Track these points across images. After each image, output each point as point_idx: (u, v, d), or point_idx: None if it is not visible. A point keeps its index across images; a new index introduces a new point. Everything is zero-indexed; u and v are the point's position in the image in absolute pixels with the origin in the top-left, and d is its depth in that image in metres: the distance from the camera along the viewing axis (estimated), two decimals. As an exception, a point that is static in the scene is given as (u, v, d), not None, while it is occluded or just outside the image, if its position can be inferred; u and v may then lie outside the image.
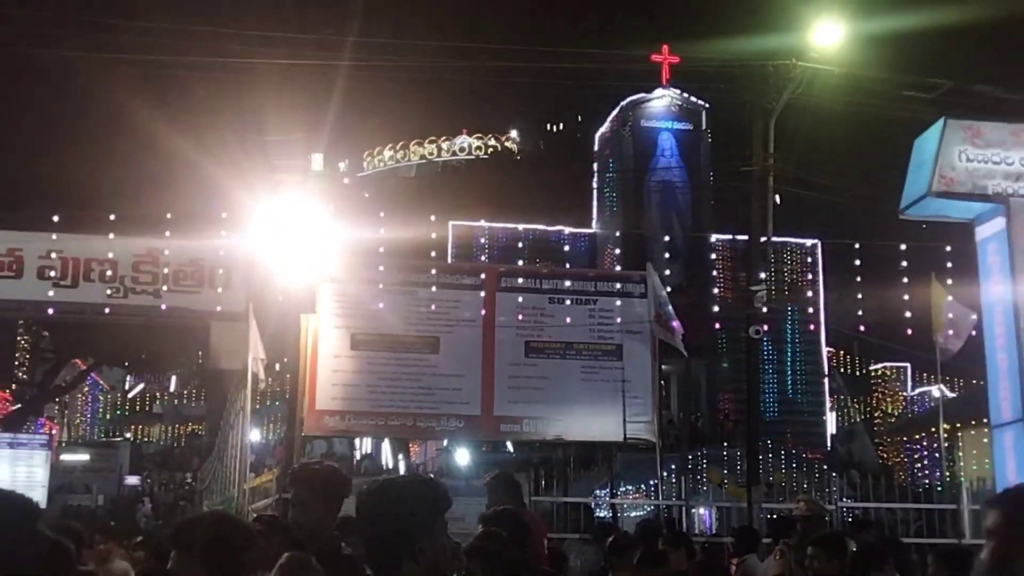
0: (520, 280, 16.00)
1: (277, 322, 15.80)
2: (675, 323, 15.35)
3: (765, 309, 14.92)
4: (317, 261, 14.67)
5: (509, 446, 25.27)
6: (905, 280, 14.92)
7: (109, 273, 14.92)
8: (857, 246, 16.43)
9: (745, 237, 18.81)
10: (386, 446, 34.30)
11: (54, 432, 37.37)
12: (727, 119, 24.46)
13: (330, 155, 33.07)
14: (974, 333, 12.67)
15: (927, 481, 23.69)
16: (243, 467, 15.77)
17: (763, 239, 14.89)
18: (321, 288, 15.01)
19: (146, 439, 45.55)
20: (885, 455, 29.86)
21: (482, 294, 15.59)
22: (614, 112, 31.06)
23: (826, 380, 30.30)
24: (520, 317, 15.55)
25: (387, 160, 47.46)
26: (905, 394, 35.29)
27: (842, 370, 35.31)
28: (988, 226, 10.36)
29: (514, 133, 47.79)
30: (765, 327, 15.43)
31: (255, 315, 14.82)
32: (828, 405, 30.86)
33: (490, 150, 46.73)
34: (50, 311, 14.98)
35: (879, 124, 15.98)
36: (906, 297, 14.86)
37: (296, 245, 14.44)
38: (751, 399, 15.24)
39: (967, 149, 10.10)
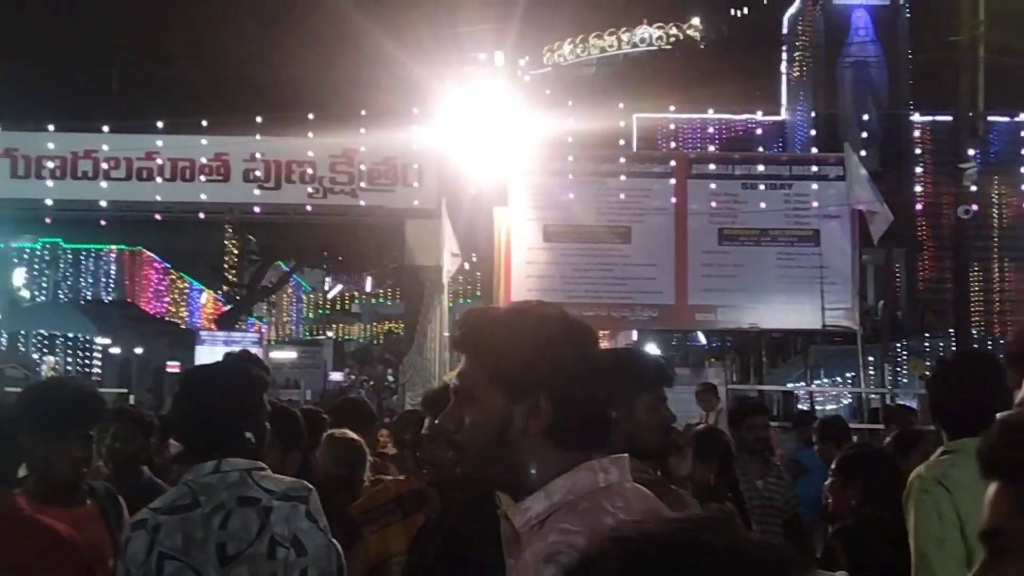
0: (712, 166, 15.68)
1: (467, 217, 16.06)
2: (877, 208, 14.77)
3: (974, 189, 14.14)
4: (507, 154, 14.78)
5: (701, 337, 25.08)
6: None
7: (309, 173, 15.46)
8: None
9: (949, 117, 17.83)
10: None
11: (263, 331, 39.49)
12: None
13: (511, 52, 32.94)
14: None
15: None
16: (443, 360, 16.25)
17: (971, 114, 14.02)
18: (512, 181, 15.12)
19: (346, 337, 47.51)
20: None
21: (672, 182, 15.37)
22: (804, -9, 29.68)
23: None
24: (713, 204, 15.28)
25: (567, 55, 46.97)
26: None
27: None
28: None
29: (696, 21, 46.37)
30: (975, 207, 14.65)
31: (447, 210, 15.11)
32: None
33: (672, 39, 45.55)
34: (256, 210, 15.66)
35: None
36: None
37: (486, 139, 14.56)
38: (958, 283, 14.57)
39: None
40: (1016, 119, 26.20)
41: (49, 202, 15.27)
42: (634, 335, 28.71)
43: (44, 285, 32.78)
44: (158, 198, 15.31)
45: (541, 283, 15.18)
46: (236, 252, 38.06)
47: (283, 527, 2.96)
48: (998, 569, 1.39)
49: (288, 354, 37.71)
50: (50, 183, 15.11)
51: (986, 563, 1.40)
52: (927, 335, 24.84)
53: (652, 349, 26.20)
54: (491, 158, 14.75)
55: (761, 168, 15.67)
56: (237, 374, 3.19)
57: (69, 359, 28.01)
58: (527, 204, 15.26)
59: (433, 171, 15.64)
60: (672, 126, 26.29)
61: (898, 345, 24.55)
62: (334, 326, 47.08)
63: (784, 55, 30.67)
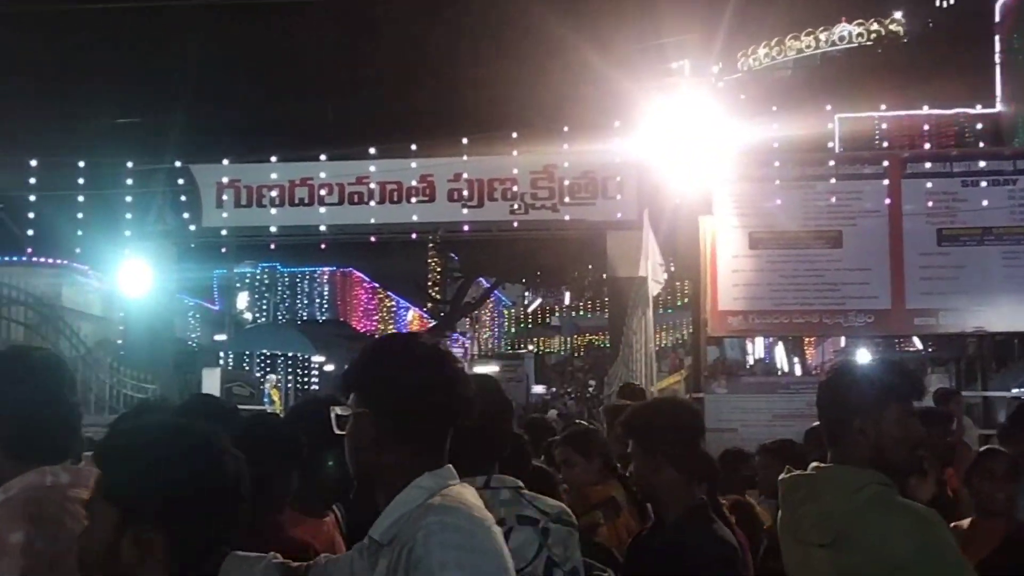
0: (927, 165, 15.02)
1: (668, 227, 15.98)
2: None
3: None
4: (710, 162, 14.63)
5: (917, 342, 24.05)
6: None
7: (512, 190, 15.77)
8: None
9: None
10: (780, 349, 33.95)
11: (466, 346, 40.36)
12: None
13: (706, 59, 32.62)
14: None
15: None
16: (650, 371, 16.19)
17: None
18: (716, 189, 14.94)
19: (547, 350, 47.96)
20: None
21: (885, 182, 14.82)
22: (1018, -25, 28.10)
23: None
24: (929, 204, 14.63)
25: (762, 58, 46.04)
26: None
27: None
28: None
29: (898, 14, 44.63)
30: None
31: (650, 221, 15.08)
32: None
33: (873, 35, 44.00)
34: (465, 228, 16.06)
35: None
36: None
37: (688, 148, 14.46)
38: None
39: None
40: None
41: (273, 229, 16.13)
42: (842, 342, 27.83)
43: (264, 307, 34.55)
44: (372, 221, 15.94)
45: (748, 291, 14.93)
46: (439, 270, 39.09)
47: (560, 550, 3.02)
48: None
49: (491, 368, 38.34)
50: (273, 211, 15.98)
51: None
52: None
53: (863, 356, 25.34)
54: (692, 167, 14.64)
55: (982, 164, 14.90)
56: (499, 391, 3.26)
57: (289, 377, 29.41)
58: (732, 212, 15.04)
59: (633, 182, 15.69)
60: (883, 125, 25.32)
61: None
62: (534, 339, 47.63)
63: (998, 44, 29.11)
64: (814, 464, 2.99)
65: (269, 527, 3.30)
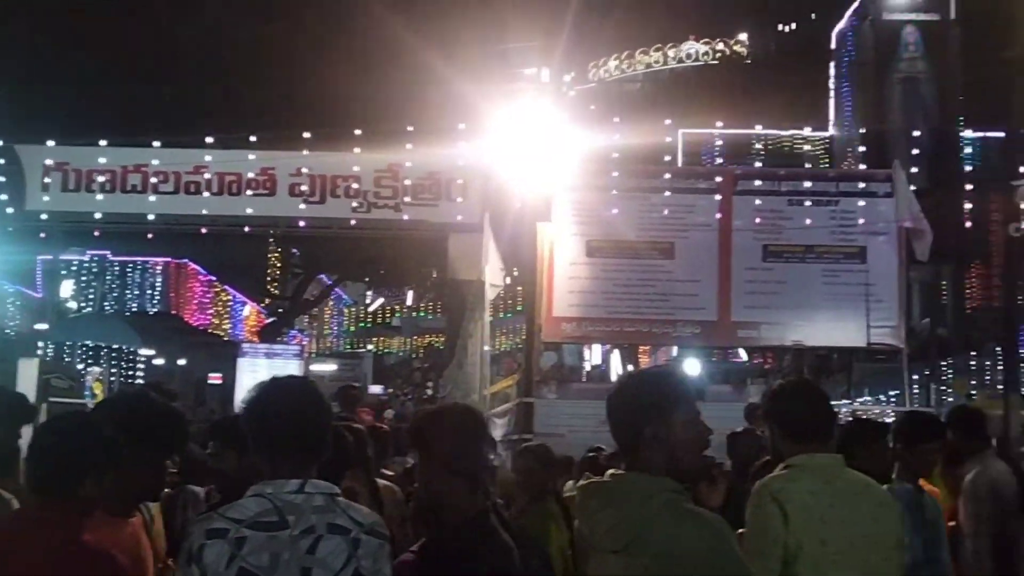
0: (757, 182, 15.56)
1: (512, 232, 16.07)
2: (924, 227, 14.61)
3: (1024, 206, 13.94)
4: (552, 169, 14.77)
5: (742, 354, 24.93)
6: None
7: (354, 187, 15.54)
8: None
9: (1001, 133, 17.60)
10: (615, 357, 34.62)
11: (304, 343, 39.74)
12: (980, 7, 22.73)
13: (557, 67, 33.05)
14: None
15: None
16: (484, 374, 16.25)
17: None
18: (556, 196, 15.11)
19: (386, 350, 47.66)
20: None
21: (717, 198, 15.28)
22: (852, 6, 29.52)
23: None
24: (757, 220, 15.16)
25: (612, 70, 47.04)
26: None
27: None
28: None
29: (743, 36, 46.27)
30: (1026, 224, 14.41)
31: (491, 225, 15.13)
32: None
33: (718, 55, 45.49)
34: (301, 224, 15.77)
35: None
36: None
37: (532, 154, 14.56)
38: (1008, 300, 14.34)
39: None
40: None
41: (98, 215, 15.46)
42: (674, 351, 28.61)
43: (91, 296, 33.21)
44: (205, 212, 15.46)
45: (583, 298, 15.16)
46: (279, 266, 38.39)
47: (369, 563, 2.97)
48: None
49: (328, 367, 37.86)
50: (100, 196, 15.31)
51: None
52: (974, 353, 24.51)
53: (692, 366, 26.11)
54: (536, 173, 14.75)
55: (808, 184, 15.52)
56: (317, 393, 3.18)
57: (113, 370, 28.35)
58: (570, 219, 15.25)
59: (477, 186, 15.67)
60: (719, 142, 26.21)
61: (944, 363, 24.26)
62: (374, 339, 47.30)
63: (832, 71, 30.51)
64: (610, 472, 3.03)
65: (66, 532, 3.12)
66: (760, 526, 3.69)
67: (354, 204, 15.57)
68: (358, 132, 15.30)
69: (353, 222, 15.77)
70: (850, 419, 5.42)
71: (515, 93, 14.96)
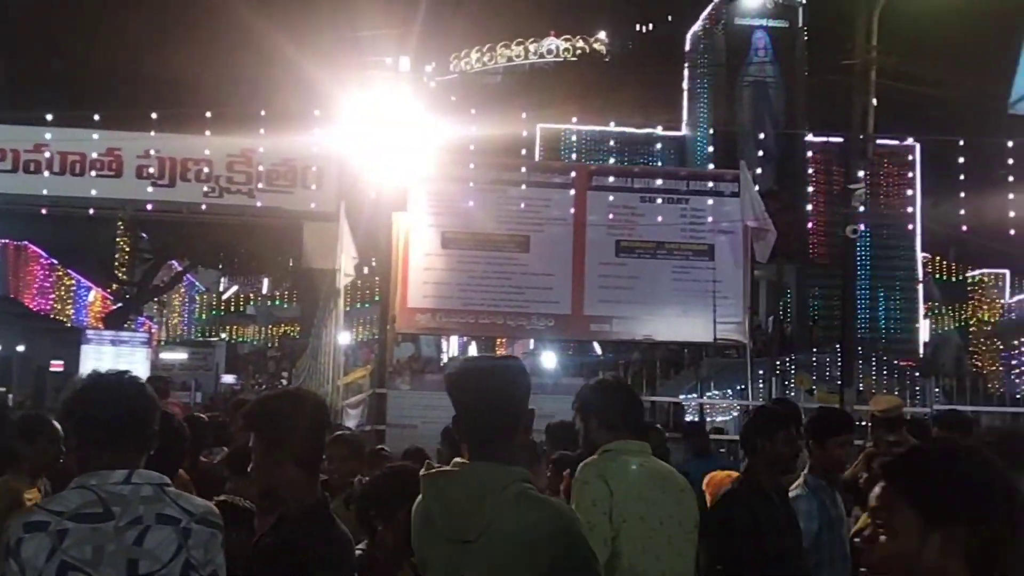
0: (611, 179, 15.84)
1: (369, 221, 15.95)
2: (769, 227, 15.11)
3: (862, 209, 14.56)
4: (409, 159, 14.70)
5: (596, 348, 25.35)
6: (1011, 179, 14.43)
7: (205, 172, 15.15)
8: (961, 143, 15.87)
9: (841, 138, 18.34)
10: (473, 348, 34.75)
11: (153, 331, 38.55)
12: (826, 16, 23.66)
13: (417, 58, 32.95)
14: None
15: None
16: (337, 364, 16.09)
17: (861, 136, 14.45)
18: (413, 187, 15.06)
19: (240, 339, 46.67)
20: (980, 363, 29.30)
21: (572, 192, 15.49)
22: (706, 10, 30.32)
23: (920, 286, 29.68)
24: (611, 216, 15.44)
25: (474, 63, 47.14)
26: (1003, 301, 34.41)
27: (938, 276, 34.54)
28: (1105, 120, 9.91)
29: (603, 35, 46.98)
30: (862, 226, 15.08)
31: (347, 214, 14.98)
32: (922, 312, 30.30)
33: (578, 52, 46.07)
34: (148, 207, 15.30)
35: (990, 14, 15.29)
36: (1011, 196, 14.39)
37: (388, 143, 14.47)
38: (845, 300, 15.00)
39: (1084, 40, 9.62)
40: (905, 143, 27.18)
41: (-72, 192, 14.69)
42: (531, 344, 28.91)
43: (-82, 279, 31.52)
44: (45, 192, 14.83)
45: (438, 290, 15.16)
46: (127, 250, 37.11)
47: (200, 553, 2.92)
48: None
49: (178, 355, 36.87)
50: (-70, 173, 14.54)
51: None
52: (815, 349, 25.51)
53: (549, 359, 26.42)
54: (392, 163, 14.65)
55: (659, 182, 15.89)
56: (140, 385, 3.09)
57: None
58: (426, 210, 15.22)
59: (333, 174, 15.47)
60: (573, 137, 26.53)
61: (787, 359, 25.16)
62: (228, 328, 46.25)
63: (686, 72, 31.24)
64: (457, 460, 3.01)
65: None
66: (589, 501, 3.94)
67: (205, 188, 15.19)
68: (208, 115, 14.91)
69: (204, 207, 15.39)
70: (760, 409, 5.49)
71: (371, 81, 14.78)
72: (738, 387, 19.85)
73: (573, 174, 15.90)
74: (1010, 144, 14.38)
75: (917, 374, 26.48)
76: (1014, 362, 25.28)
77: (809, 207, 27.43)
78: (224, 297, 47.22)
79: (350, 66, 15.49)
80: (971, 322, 33.94)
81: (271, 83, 20.45)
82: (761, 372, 20.61)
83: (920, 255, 29.71)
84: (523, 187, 15.48)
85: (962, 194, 16.59)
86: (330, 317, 15.65)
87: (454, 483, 2.92)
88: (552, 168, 16.73)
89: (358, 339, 35.67)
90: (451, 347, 36.92)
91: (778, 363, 24.18)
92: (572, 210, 15.38)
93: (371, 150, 14.61)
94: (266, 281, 45.09)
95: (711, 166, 25.82)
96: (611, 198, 15.48)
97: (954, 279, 35.26)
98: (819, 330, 28.41)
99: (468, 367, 3.13)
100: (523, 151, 20.03)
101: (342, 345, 17.06)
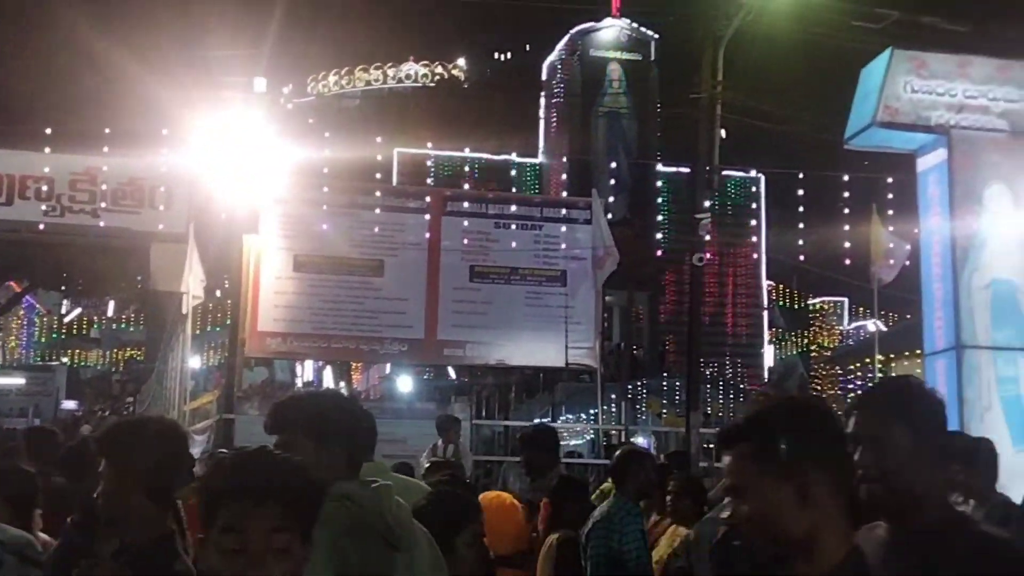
0: (466, 204, 15.95)
1: (220, 244, 15.62)
2: (611, 252, 15.33)
3: (708, 238, 15.03)
4: (261, 182, 14.48)
5: (451, 372, 25.35)
6: (847, 211, 15.11)
7: (45, 190, 14.62)
8: (801, 176, 16.55)
9: (688, 169, 18.86)
10: (328, 373, 34.31)
11: (-11, 355, 36.83)
12: (676, 51, 24.39)
13: (273, 79, 32.52)
14: (908, 264, 12.89)
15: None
16: (184, 389, 15.67)
17: (708, 167, 14.92)
18: (265, 209, 14.83)
19: (83, 363, 44.94)
20: (820, 387, 30.46)
21: (427, 217, 15.52)
22: (563, 41, 30.83)
23: (765, 313, 30.72)
24: (465, 241, 15.52)
25: (332, 86, 46.76)
26: (841, 328, 35.93)
27: (782, 303, 35.82)
28: (929, 157, 10.46)
29: (461, 61, 47.23)
30: (708, 255, 15.56)
31: (196, 236, 14.63)
32: (767, 338, 31.34)
33: (437, 77, 46.19)
34: (-16, 227, 14.66)
35: (828, 54, 16.06)
36: (847, 228, 15.06)
37: (239, 165, 14.22)
38: (692, 325, 15.40)
39: (912, 80, 10.14)
40: (750, 175, 28.20)
41: None
42: (387, 369, 28.72)
43: None
44: None
45: (289, 313, 14.95)
46: (-38, 270, 35.37)
47: None
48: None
49: (15, 380, 35.28)
50: None
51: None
52: (665, 374, 26.10)
53: (404, 384, 26.28)
54: (244, 184, 14.40)
55: (514, 208, 16.08)
56: None
57: None
58: (278, 233, 15.02)
59: (183, 195, 15.13)
60: (429, 162, 26.58)
61: (638, 384, 25.67)
62: (70, 352, 44.44)
63: (543, 100, 31.68)
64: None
65: None
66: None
67: (44, 207, 14.66)
68: (48, 131, 14.38)
69: (43, 226, 14.83)
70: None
71: (223, 102, 14.51)
72: (591, 411, 20.15)
73: (428, 199, 15.95)
74: (846, 178, 15.06)
75: (763, 398, 27.36)
76: (850, 386, 26.39)
77: (659, 235, 28.09)
78: (67, 320, 45.44)
79: (201, 86, 15.18)
80: (812, 348, 35.30)
81: (116, 101, 19.86)
82: (613, 396, 20.99)
83: (765, 283, 30.78)
84: (377, 211, 15.44)
85: (801, 225, 17.29)
86: (177, 341, 15.24)
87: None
88: (407, 193, 16.75)
89: (209, 363, 34.81)
90: (306, 372, 36.36)
91: (629, 388, 24.70)
92: (427, 235, 15.41)
93: (222, 171, 14.34)
94: (111, 303, 43.58)
95: (565, 194, 26.23)
96: (466, 223, 15.58)
97: (796, 306, 36.66)
98: (670, 356, 29.08)
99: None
100: (379, 175, 19.95)
101: (190, 369, 16.63)
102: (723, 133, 16.09)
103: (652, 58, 30.34)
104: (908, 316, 22.62)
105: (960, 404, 9.55)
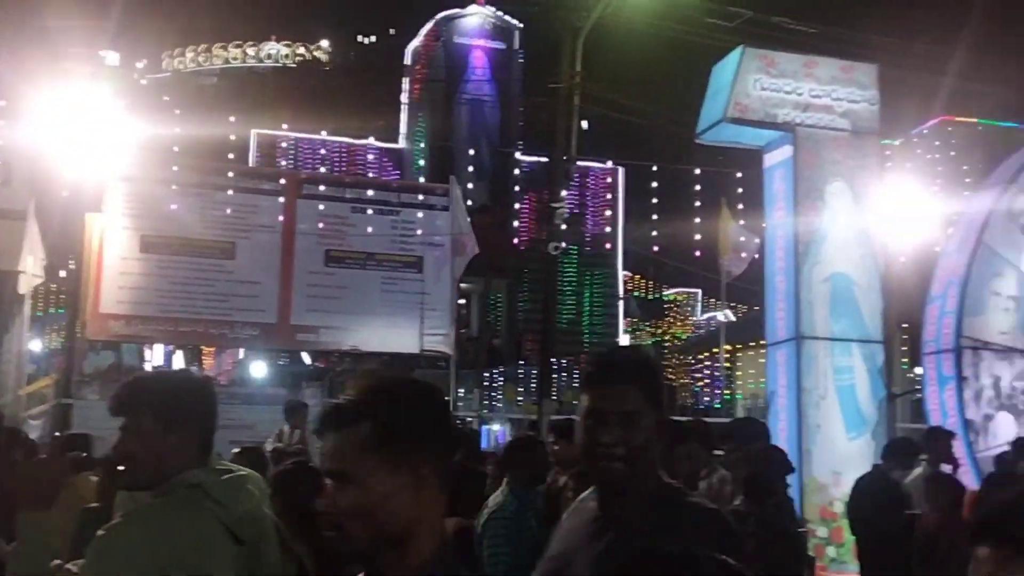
0: (322, 188, 15.70)
1: (62, 221, 14.99)
2: (469, 240, 15.36)
3: (564, 227, 15.17)
4: (107, 158, 13.92)
5: (306, 358, 24.99)
6: (699, 205, 15.48)
7: None
8: (655, 169, 16.87)
9: (548, 158, 19.00)
10: (179, 357, 33.38)
11: None
12: (539, 41, 24.52)
13: (126, 53, 31.36)
14: (757, 256, 13.26)
15: (707, 399, 24.97)
16: (20, 373, 15.00)
17: (565, 157, 15.06)
18: (110, 187, 14.27)
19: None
20: (673, 376, 31.19)
21: (282, 200, 15.22)
22: (427, 27, 30.62)
23: (621, 303, 31.22)
24: (321, 225, 15.28)
25: (188, 63, 45.42)
26: (695, 319, 36.86)
27: (638, 294, 36.50)
28: (776, 154, 10.80)
29: (325, 43, 46.50)
30: (564, 244, 15.70)
31: (37, 213, 14.00)
32: (622, 328, 31.87)
33: (299, 59, 45.37)
34: None
35: (685, 49, 16.39)
36: (699, 221, 15.43)
37: (84, 140, 13.64)
38: (547, 313, 15.54)
39: (761, 78, 10.45)
40: (608, 166, 28.58)
41: None
42: (241, 354, 28.10)
43: None
44: None
45: (135, 295, 14.44)
46: None
47: None
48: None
49: None
50: None
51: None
52: (522, 362, 26.31)
53: (258, 369, 25.79)
54: (89, 161, 13.82)
55: (371, 193, 15.89)
56: None
57: None
58: (124, 212, 14.48)
59: (23, 169, 14.44)
60: (285, 144, 26.07)
61: (495, 371, 25.82)
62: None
63: (406, 85, 31.42)
64: None
65: None
66: None
67: None
68: None
69: None
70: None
71: (67, 75, 13.90)
72: (445, 398, 20.17)
73: (283, 181, 15.64)
74: (698, 171, 15.41)
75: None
76: (698, 375, 27.15)
77: (517, 223, 28.25)
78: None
79: (42, 57, 14.51)
80: (666, 338, 36.14)
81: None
82: (469, 383, 21.05)
83: (621, 273, 31.27)
84: (230, 192, 15.05)
85: (656, 217, 17.63)
86: (13, 322, 14.56)
87: None
88: (261, 174, 16.39)
89: (51, 346, 33.45)
90: (156, 356, 35.26)
91: (486, 375, 24.80)
92: (281, 217, 15.10)
93: (66, 146, 13.73)
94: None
95: (423, 180, 26.11)
96: (321, 207, 15.33)
97: (652, 297, 37.45)
98: (527, 344, 29.29)
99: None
100: (233, 156, 19.47)
101: (30, 352, 15.93)
102: (585, 124, 16.26)
103: (516, 47, 30.41)
104: (756, 308, 23.38)
105: (798, 392, 9.92)
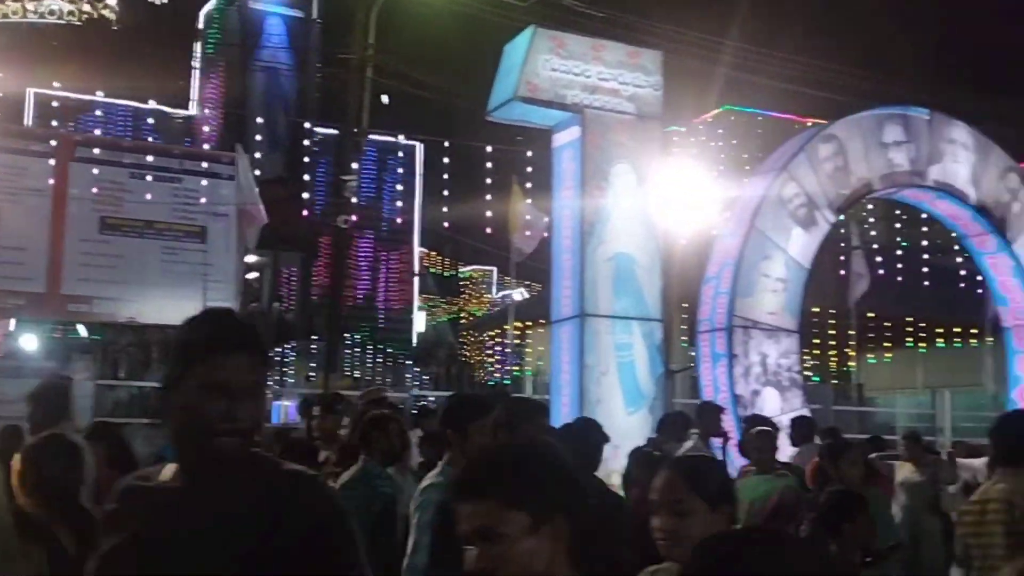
0: (97, 151, 14.87)
1: None
2: (256, 211, 14.86)
3: (355, 200, 14.94)
4: None
5: (82, 330, 23.75)
6: (491, 182, 15.54)
7: None
8: (447, 145, 16.83)
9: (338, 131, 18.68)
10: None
11: None
12: (338, 11, 24.06)
13: None
14: (546, 235, 13.43)
15: (498, 374, 25.26)
16: None
17: (356, 130, 14.82)
18: None
19: None
20: (468, 353, 31.39)
21: (52, 162, 14.33)
22: (221, -11, 29.59)
23: (416, 279, 31.14)
24: (95, 191, 14.50)
25: (-41, 14, 42.30)
26: (490, 296, 37.20)
27: (434, 271, 36.51)
28: (565, 134, 10.95)
29: (112, 1, 44.24)
30: (354, 218, 15.46)
31: None
32: (417, 304, 31.82)
33: (84, 16, 42.99)
34: None
35: (479, 26, 16.41)
36: (490, 198, 15.50)
37: None
38: (334, 286, 15.29)
39: (552, 59, 10.55)
40: (403, 142, 28.39)
41: None
42: (12, 325, 26.47)
43: None
44: None
45: None
46: None
47: None
48: None
49: None
50: None
51: None
52: (314, 337, 25.88)
53: (29, 341, 24.31)
54: None
55: (151, 159, 15.17)
56: None
57: None
58: None
59: None
60: (70, 107, 24.64)
61: (286, 346, 25.32)
62: None
63: (198, 49, 30.27)
64: None
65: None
66: None
67: None
68: None
69: None
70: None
71: None
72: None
73: (54, 143, 14.73)
74: (489, 149, 15.46)
75: (410, 362, 27.88)
76: (490, 352, 27.42)
77: (309, 196, 27.72)
78: None
79: None
80: (462, 315, 36.31)
81: None
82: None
83: (418, 250, 31.18)
84: (-4, 152, 14.08)
85: (447, 193, 17.61)
86: None
87: None
88: (31, 134, 15.38)
89: None
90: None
91: (278, 350, 24.27)
92: (51, 181, 14.23)
93: None
94: None
95: (206, 146, 25.19)
96: (96, 171, 14.54)
97: (448, 274, 37.55)
98: (320, 318, 28.84)
99: None
100: (2, 115, 18.23)
101: None
102: (385, 99, 16.04)
103: (314, 16, 29.76)
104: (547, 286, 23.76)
105: (581, 369, 10.12)
